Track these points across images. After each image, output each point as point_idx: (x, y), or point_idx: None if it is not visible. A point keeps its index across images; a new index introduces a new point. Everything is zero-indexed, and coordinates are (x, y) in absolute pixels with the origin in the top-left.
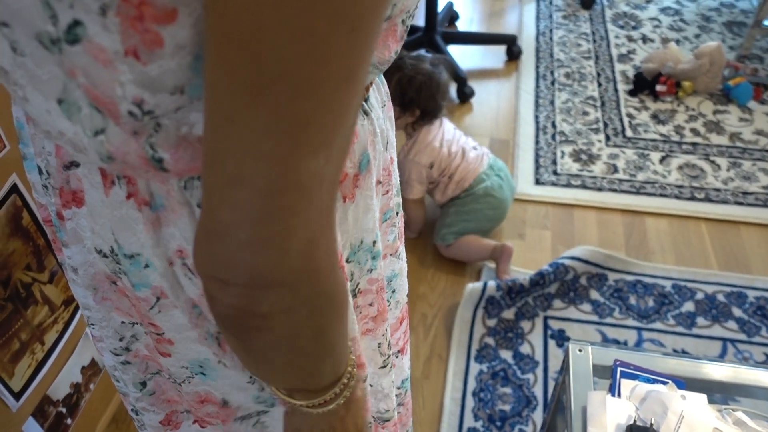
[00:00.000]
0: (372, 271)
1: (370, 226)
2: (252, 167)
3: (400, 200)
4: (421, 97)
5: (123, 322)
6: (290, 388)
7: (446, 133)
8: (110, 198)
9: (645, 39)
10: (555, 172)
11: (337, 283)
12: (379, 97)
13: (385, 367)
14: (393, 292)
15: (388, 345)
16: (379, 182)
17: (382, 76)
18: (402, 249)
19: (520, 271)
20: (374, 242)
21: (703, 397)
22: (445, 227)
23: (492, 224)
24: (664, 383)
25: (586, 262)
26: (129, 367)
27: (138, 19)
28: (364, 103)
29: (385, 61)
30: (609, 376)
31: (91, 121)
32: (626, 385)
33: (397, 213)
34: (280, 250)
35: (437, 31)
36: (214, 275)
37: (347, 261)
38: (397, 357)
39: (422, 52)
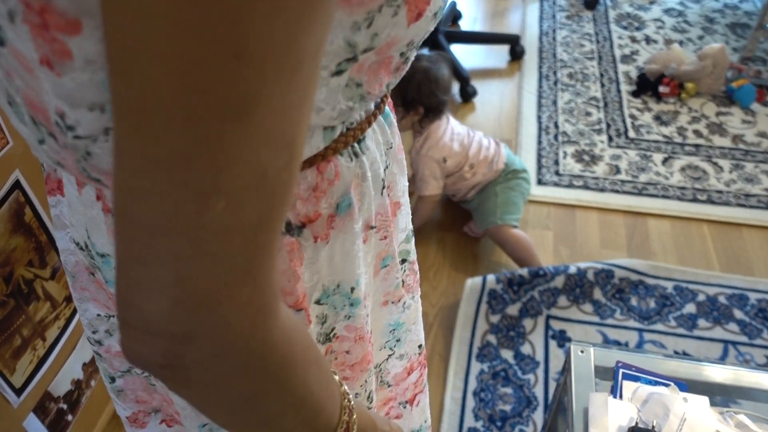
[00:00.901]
0: (350, 318)
1: (349, 270)
2: (132, 203)
3: (409, 247)
4: (422, 94)
5: (98, 315)
6: None
7: (455, 127)
8: (83, 196)
9: (648, 40)
10: (557, 173)
11: (271, 337)
12: (383, 138)
13: None
14: (398, 341)
15: (369, 397)
16: (371, 227)
17: (392, 116)
18: (410, 299)
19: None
20: (353, 288)
21: (705, 399)
22: (499, 207)
23: (526, 198)
24: (666, 385)
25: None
26: (100, 359)
27: (43, 28)
28: (355, 145)
29: (374, 95)
30: (611, 378)
31: (34, 130)
32: (628, 386)
33: (405, 260)
34: (171, 297)
35: (440, 30)
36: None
37: (318, 302)
38: (404, 408)
39: (424, 51)
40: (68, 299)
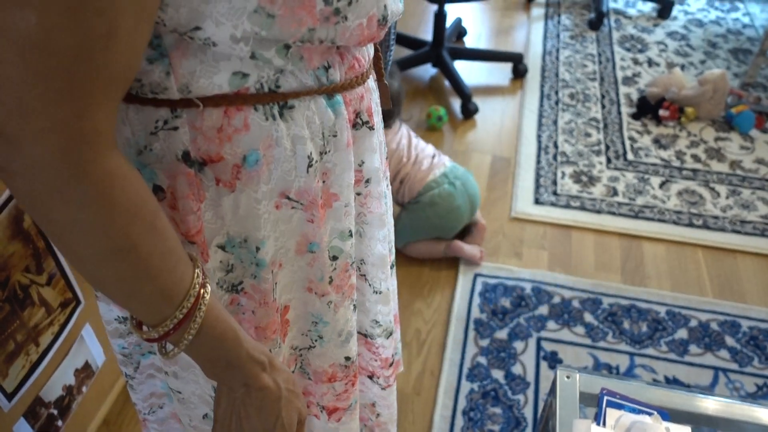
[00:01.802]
0: (256, 278)
1: (252, 228)
2: None
3: (343, 247)
4: None
5: None
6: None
7: (403, 138)
8: None
9: (651, 62)
10: (555, 193)
11: (90, 167)
12: (326, 123)
13: None
14: (320, 338)
15: None
16: (287, 197)
17: (346, 114)
18: (340, 301)
19: (517, 274)
20: (258, 248)
21: (688, 429)
22: (397, 232)
23: (443, 232)
24: (650, 414)
25: (570, 288)
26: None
27: None
28: (275, 106)
29: (296, 36)
30: (596, 404)
31: None
32: (612, 414)
33: (336, 258)
34: (2, 102)
35: (444, 46)
36: None
37: (223, 249)
38: (321, 412)
39: (428, 66)
40: (63, 305)
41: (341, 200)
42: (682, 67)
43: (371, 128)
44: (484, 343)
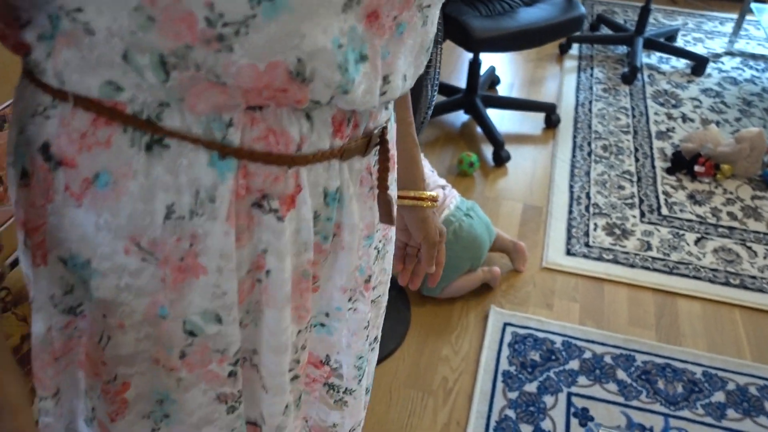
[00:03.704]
0: (93, 301)
1: (91, 253)
2: None
3: (211, 333)
4: None
5: None
6: None
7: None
8: None
9: (685, 118)
10: (587, 244)
11: None
12: (206, 186)
13: None
14: (166, 417)
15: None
16: (137, 244)
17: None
18: (197, 393)
19: (547, 323)
20: (88, 261)
21: None
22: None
23: (472, 263)
24: None
25: (602, 344)
26: None
27: None
28: (147, 136)
29: (171, 48)
30: None
31: None
32: None
33: (193, 333)
34: None
35: (478, 93)
36: None
37: (64, 263)
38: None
39: (461, 113)
40: None
41: (209, 277)
42: (717, 123)
43: (280, 219)
44: (513, 395)
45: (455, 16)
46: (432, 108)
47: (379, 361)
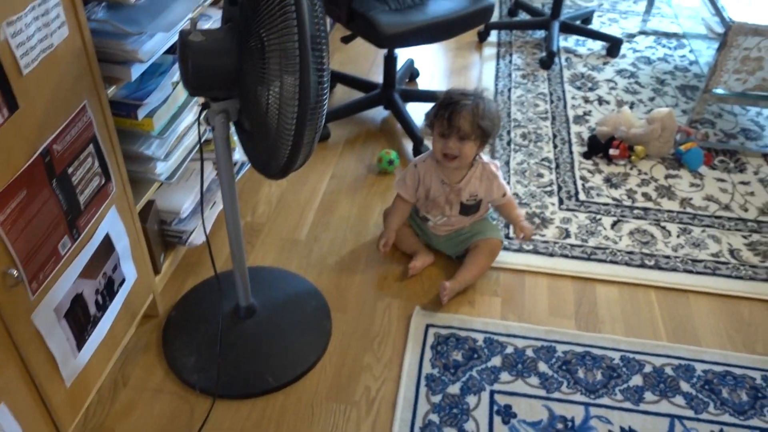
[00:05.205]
0: None
1: None
2: None
3: None
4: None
5: None
6: None
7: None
8: None
9: (601, 101)
10: (507, 236)
11: None
12: None
13: None
14: None
15: None
16: None
17: None
18: None
19: (469, 320)
20: None
21: None
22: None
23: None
24: None
25: (524, 337)
26: None
27: None
28: None
29: None
30: None
31: None
32: None
33: None
34: None
35: (396, 88)
36: None
37: None
38: None
39: (381, 108)
40: None
41: None
42: (632, 104)
43: None
44: (436, 399)
45: (363, 12)
46: (327, 90)
47: (300, 375)
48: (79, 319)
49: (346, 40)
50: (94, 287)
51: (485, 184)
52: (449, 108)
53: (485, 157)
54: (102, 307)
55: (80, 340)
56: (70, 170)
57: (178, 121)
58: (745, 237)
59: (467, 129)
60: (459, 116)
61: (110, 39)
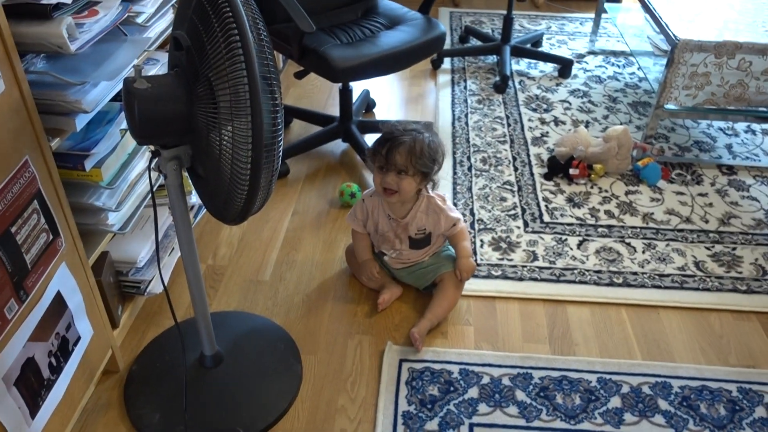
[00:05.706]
0: None
1: None
2: None
3: None
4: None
5: None
6: None
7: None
8: None
9: (557, 121)
10: (475, 263)
11: None
12: None
13: None
14: None
15: None
16: None
17: None
18: None
19: (443, 352)
20: None
21: None
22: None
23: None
24: None
25: (499, 366)
26: None
27: None
28: None
29: None
30: None
31: None
32: None
33: None
34: None
35: (353, 120)
36: None
37: None
38: None
39: (339, 141)
40: None
41: None
42: (587, 123)
43: None
44: None
45: (315, 47)
46: (282, 116)
47: (272, 423)
48: (32, 384)
49: (299, 75)
50: (47, 349)
51: (432, 217)
52: (387, 144)
53: (431, 190)
54: (56, 370)
55: (34, 407)
56: (13, 229)
57: (129, 168)
58: (708, 248)
59: (404, 165)
60: (395, 152)
61: (51, 90)
